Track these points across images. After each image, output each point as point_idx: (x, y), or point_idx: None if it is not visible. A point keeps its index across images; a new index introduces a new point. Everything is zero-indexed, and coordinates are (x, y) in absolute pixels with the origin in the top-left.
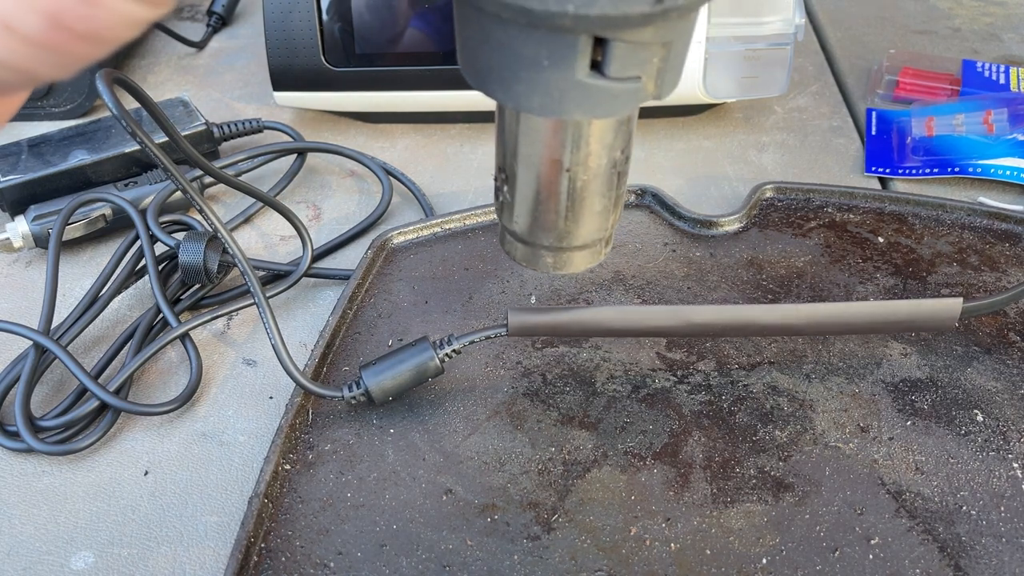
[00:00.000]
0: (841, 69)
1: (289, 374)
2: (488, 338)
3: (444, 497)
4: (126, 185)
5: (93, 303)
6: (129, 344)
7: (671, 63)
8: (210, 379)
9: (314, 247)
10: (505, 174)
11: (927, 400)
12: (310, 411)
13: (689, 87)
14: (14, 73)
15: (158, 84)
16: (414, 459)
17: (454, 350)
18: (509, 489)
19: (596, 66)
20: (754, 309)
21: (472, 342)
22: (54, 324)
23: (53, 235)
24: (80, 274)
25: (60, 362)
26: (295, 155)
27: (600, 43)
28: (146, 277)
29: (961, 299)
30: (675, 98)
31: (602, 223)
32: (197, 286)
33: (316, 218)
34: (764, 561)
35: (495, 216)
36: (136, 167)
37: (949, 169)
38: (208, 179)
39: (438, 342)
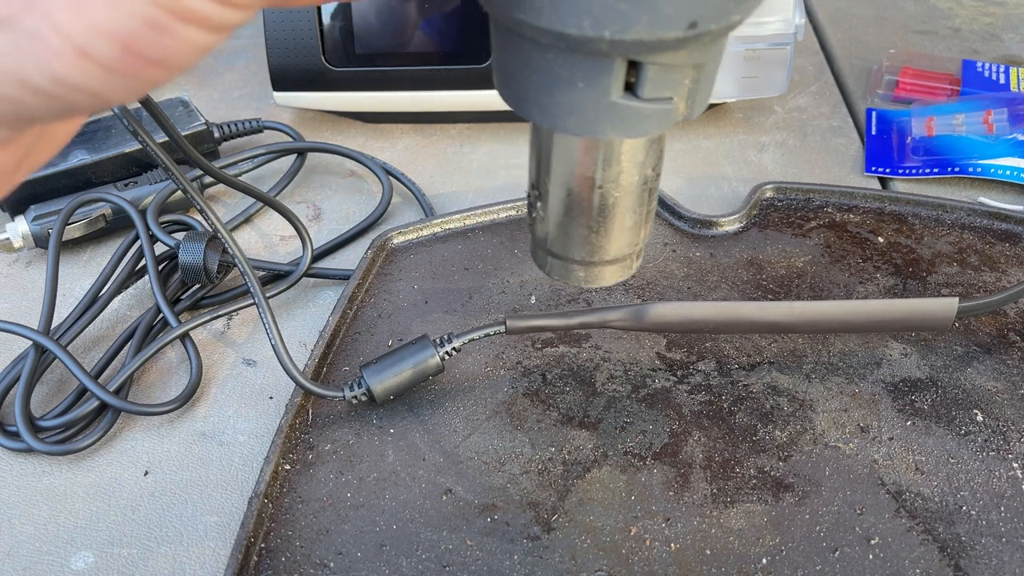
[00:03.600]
0: (841, 69)
1: (289, 374)
2: (488, 335)
3: (444, 497)
4: (126, 185)
5: (93, 303)
6: (129, 344)
7: (702, 84)
8: (210, 379)
9: (314, 247)
10: (538, 191)
11: (927, 400)
12: (310, 411)
13: None
14: (88, 96)
15: None
16: (414, 459)
17: (454, 348)
18: (509, 489)
19: (630, 88)
20: (748, 306)
21: (472, 340)
22: (54, 324)
23: (53, 235)
24: (80, 274)
25: (60, 362)
26: (295, 155)
27: (634, 66)
28: (146, 277)
29: (957, 299)
30: None
31: (633, 238)
32: (197, 286)
33: (316, 218)
34: (764, 561)
35: (493, 216)
36: (136, 167)
37: (949, 169)
38: (208, 179)
39: (438, 340)
